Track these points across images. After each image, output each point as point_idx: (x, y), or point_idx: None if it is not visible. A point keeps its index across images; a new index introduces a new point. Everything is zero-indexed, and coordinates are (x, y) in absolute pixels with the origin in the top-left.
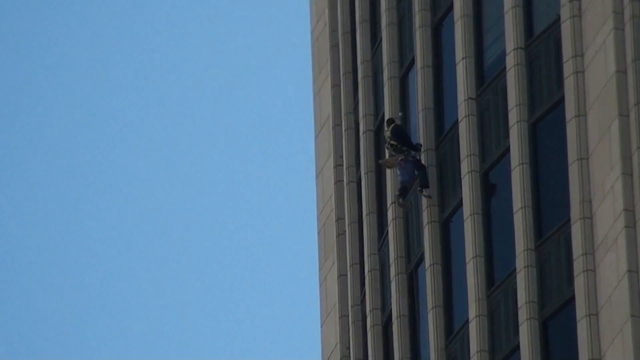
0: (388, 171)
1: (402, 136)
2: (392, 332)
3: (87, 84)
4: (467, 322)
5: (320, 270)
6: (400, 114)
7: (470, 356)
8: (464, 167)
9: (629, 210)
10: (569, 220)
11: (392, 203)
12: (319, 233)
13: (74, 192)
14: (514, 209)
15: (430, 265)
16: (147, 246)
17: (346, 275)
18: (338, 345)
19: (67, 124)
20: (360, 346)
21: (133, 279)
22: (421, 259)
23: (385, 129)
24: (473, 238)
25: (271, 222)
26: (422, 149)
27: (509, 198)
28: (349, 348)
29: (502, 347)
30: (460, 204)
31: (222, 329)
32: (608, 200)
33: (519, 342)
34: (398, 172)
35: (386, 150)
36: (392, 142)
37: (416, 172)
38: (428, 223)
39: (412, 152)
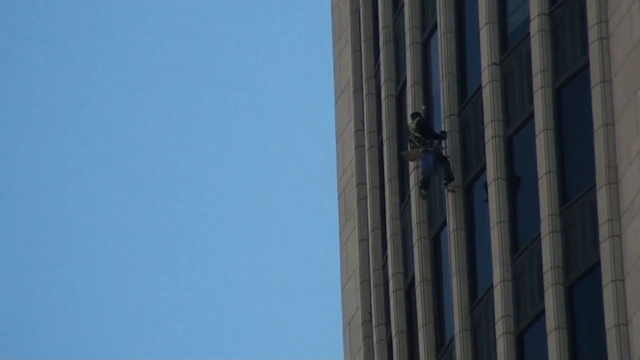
0: (410, 137)
1: (427, 128)
2: (415, 296)
3: (103, 82)
4: (491, 287)
5: (340, 234)
6: (423, 107)
7: (495, 321)
8: (488, 132)
9: None
10: (594, 186)
11: (415, 168)
12: (339, 198)
13: (76, 191)
14: (539, 174)
15: (454, 230)
16: (154, 234)
17: (367, 239)
18: (359, 309)
19: (75, 124)
20: (382, 311)
21: (140, 276)
22: (444, 223)
23: (410, 122)
24: (497, 203)
25: (290, 187)
26: (446, 114)
27: (534, 163)
28: (370, 313)
29: (527, 312)
30: (483, 169)
31: (241, 296)
32: (634, 166)
33: (544, 307)
34: (420, 164)
35: (408, 144)
36: (416, 134)
37: (439, 166)
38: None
39: (439, 142)
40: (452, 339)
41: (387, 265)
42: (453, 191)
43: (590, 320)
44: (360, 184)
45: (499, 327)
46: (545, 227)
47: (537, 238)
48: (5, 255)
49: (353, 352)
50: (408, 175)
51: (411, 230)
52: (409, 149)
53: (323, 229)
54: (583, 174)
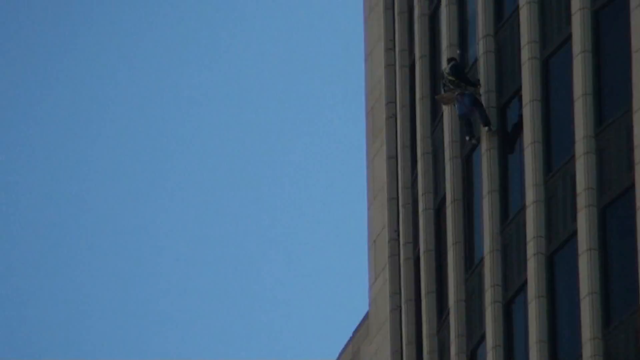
0: (443, 57)
1: (461, 73)
2: (445, 216)
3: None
4: (523, 207)
5: (367, 152)
6: (458, 52)
7: (527, 242)
8: (524, 53)
9: None
10: (630, 109)
11: (444, 88)
12: (367, 115)
13: (77, 191)
14: (575, 96)
15: (487, 150)
16: (159, 228)
17: (396, 157)
18: (386, 227)
19: (83, 123)
20: (410, 229)
21: (145, 272)
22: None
23: (444, 66)
24: (532, 123)
25: (315, 105)
26: (482, 35)
27: (569, 85)
28: (397, 231)
29: (559, 234)
30: (519, 90)
31: (269, 211)
32: None
33: (576, 229)
34: (456, 106)
35: (442, 88)
36: (451, 77)
37: (475, 110)
38: (485, 109)
39: (474, 89)
40: (482, 259)
41: (417, 184)
42: (495, 131)
43: (623, 241)
44: (390, 102)
45: (530, 248)
46: (579, 148)
47: (571, 159)
48: (5, 255)
49: (378, 270)
50: (439, 94)
51: (443, 150)
52: (442, 93)
53: (349, 146)
54: (620, 96)
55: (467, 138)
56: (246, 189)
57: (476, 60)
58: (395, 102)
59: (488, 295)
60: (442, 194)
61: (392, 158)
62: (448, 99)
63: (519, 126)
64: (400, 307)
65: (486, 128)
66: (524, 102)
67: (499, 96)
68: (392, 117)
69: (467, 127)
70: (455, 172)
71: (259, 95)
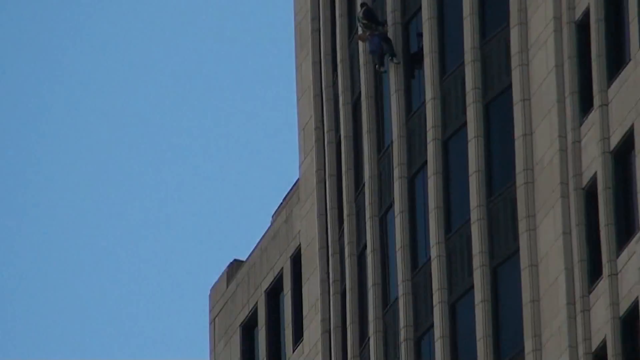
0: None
1: (372, 16)
2: (360, 109)
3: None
4: (424, 103)
5: (296, 58)
6: None
7: (427, 130)
8: None
9: (557, 17)
10: (508, 25)
11: (361, 9)
12: (295, 28)
13: (75, 192)
14: (464, 15)
15: (396, 64)
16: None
17: (319, 63)
18: (312, 118)
19: (55, 125)
20: (332, 119)
21: (134, 274)
22: (385, 53)
23: (359, 10)
24: (430, 37)
25: (250, 19)
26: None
27: (460, 6)
28: (322, 120)
29: (453, 124)
30: (419, 10)
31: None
32: (541, 9)
33: (466, 120)
34: (367, 44)
35: (359, 28)
36: (364, 21)
37: (384, 45)
38: (393, 25)
39: (383, 27)
40: (391, 144)
41: (337, 84)
42: (399, 63)
43: (503, 130)
44: (314, 18)
45: (430, 135)
46: (468, 56)
47: (461, 65)
48: (6, 255)
49: (307, 151)
50: (354, 14)
51: (358, 58)
52: (359, 32)
53: (281, 54)
54: (499, 14)
55: (377, 67)
56: (190, 88)
57: None
58: (319, 19)
59: (396, 172)
60: (358, 91)
61: (317, 63)
62: (363, 37)
63: (419, 39)
64: (325, 180)
65: (392, 59)
66: (423, 20)
67: (403, 15)
68: (316, 31)
69: (378, 59)
70: (368, 75)
71: (202, 8)
